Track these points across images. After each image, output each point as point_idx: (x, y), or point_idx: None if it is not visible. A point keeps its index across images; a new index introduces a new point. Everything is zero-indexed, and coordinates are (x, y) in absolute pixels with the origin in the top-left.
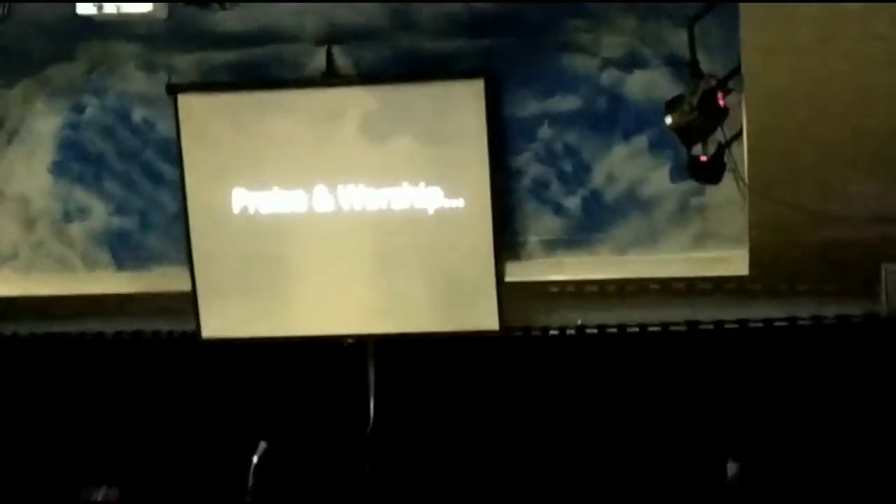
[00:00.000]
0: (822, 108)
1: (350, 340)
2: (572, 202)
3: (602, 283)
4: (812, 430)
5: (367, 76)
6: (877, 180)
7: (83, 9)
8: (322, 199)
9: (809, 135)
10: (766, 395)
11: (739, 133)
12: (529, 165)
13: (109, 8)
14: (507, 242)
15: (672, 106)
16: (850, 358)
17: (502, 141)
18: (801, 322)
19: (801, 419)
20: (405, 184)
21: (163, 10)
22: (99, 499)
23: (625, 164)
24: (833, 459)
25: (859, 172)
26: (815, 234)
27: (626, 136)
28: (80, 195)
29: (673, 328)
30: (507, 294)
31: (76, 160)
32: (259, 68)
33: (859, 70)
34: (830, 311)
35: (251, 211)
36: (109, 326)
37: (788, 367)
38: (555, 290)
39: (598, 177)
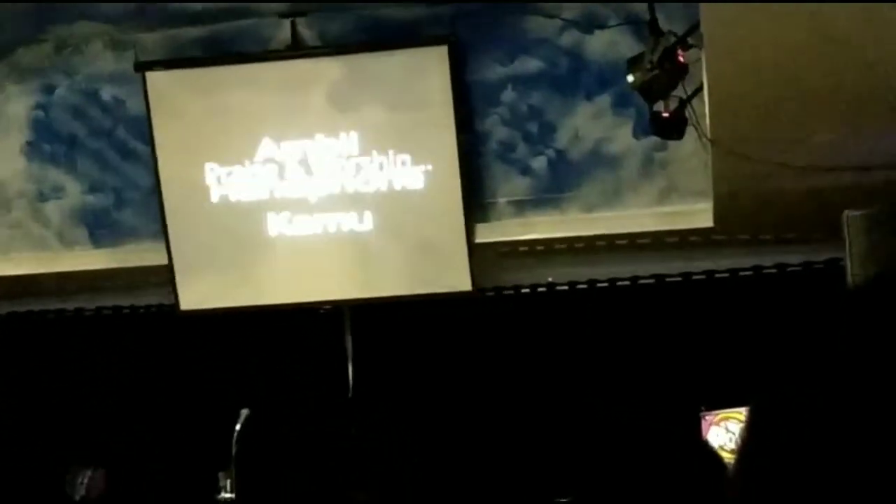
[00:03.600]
0: (782, 60)
1: (326, 307)
2: (539, 163)
3: (571, 241)
4: (777, 374)
5: (332, 46)
6: (837, 130)
7: None
8: (292, 170)
9: (769, 87)
10: (733, 342)
11: (700, 88)
12: (495, 128)
13: None
14: (476, 205)
15: (633, 64)
16: (815, 303)
17: (468, 105)
18: (765, 270)
19: (767, 364)
20: (374, 151)
21: None
22: (85, 481)
23: (589, 124)
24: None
25: (820, 122)
26: (777, 184)
27: (589, 95)
28: (55, 175)
29: (641, 281)
30: (478, 255)
31: (49, 140)
32: (225, 43)
33: (818, 23)
34: (794, 259)
35: (223, 183)
36: (89, 302)
37: (755, 314)
38: (525, 249)
39: (563, 137)
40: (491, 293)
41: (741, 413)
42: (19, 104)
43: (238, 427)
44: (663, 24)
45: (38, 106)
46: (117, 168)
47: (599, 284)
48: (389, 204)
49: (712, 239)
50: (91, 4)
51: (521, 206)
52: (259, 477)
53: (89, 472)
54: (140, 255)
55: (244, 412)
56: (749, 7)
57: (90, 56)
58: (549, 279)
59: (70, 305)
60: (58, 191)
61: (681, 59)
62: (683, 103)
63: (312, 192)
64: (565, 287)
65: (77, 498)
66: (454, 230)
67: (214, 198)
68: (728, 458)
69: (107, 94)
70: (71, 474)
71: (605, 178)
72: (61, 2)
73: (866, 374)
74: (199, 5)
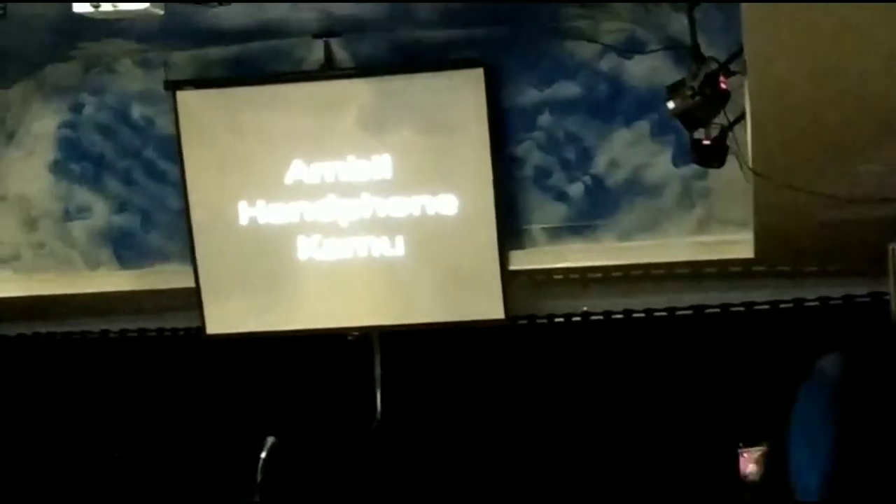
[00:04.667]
0: (826, 89)
1: (355, 333)
2: (575, 189)
3: (607, 270)
4: None
5: (366, 68)
6: (881, 161)
7: (80, 8)
8: (323, 192)
9: (813, 116)
10: (772, 376)
11: (742, 116)
12: (531, 154)
13: (106, 6)
14: (510, 231)
15: (674, 90)
16: (857, 337)
17: (503, 130)
18: (807, 303)
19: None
20: (407, 175)
21: (159, 8)
22: None
23: (627, 150)
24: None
25: (864, 153)
26: (820, 215)
27: (628, 121)
28: (81, 194)
29: (679, 312)
30: (512, 283)
31: (76, 159)
32: (257, 63)
33: (864, 51)
34: (836, 291)
35: (253, 206)
36: (114, 325)
37: (795, 347)
38: (559, 277)
39: (600, 163)
40: (524, 321)
41: None
42: (47, 122)
43: (263, 455)
44: (705, 50)
45: (67, 124)
46: (145, 188)
47: (635, 315)
48: (422, 229)
49: (752, 270)
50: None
51: (557, 234)
52: None
53: None
54: (167, 277)
55: (270, 440)
56: (794, 33)
57: (119, 74)
58: (584, 308)
59: (95, 327)
60: (84, 210)
61: (723, 85)
62: (725, 131)
63: (343, 215)
64: (600, 317)
65: None
66: (487, 257)
67: (244, 220)
68: None
69: (136, 113)
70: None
71: (642, 206)
72: None
73: None
74: (231, 23)
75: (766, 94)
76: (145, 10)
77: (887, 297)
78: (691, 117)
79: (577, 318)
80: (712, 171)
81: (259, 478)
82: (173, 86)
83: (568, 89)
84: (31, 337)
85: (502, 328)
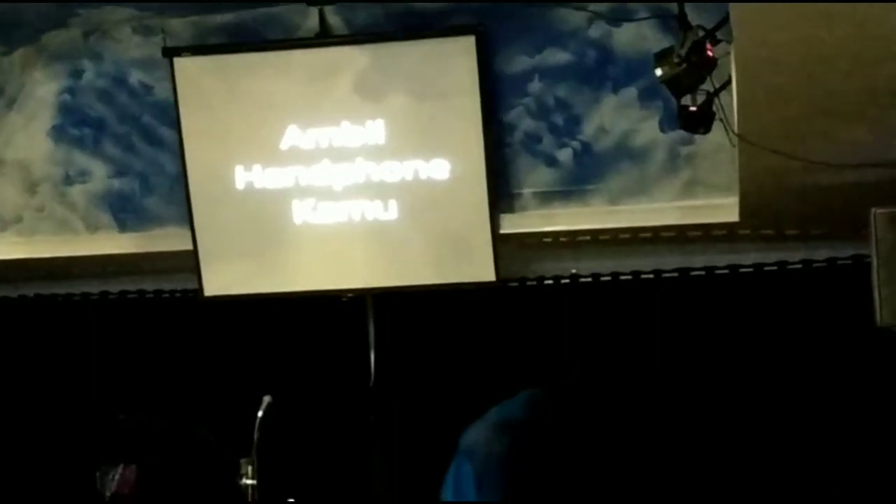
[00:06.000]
0: (811, 55)
1: (349, 295)
2: (564, 154)
3: (595, 233)
4: (800, 368)
5: (360, 35)
6: (865, 127)
7: None
8: (319, 158)
9: (798, 83)
10: (757, 336)
11: (728, 82)
12: (521, 119)
13: None
14: (501, 195)
15: (661, 58)
16: (840, 299)
17: (494, 96)
18: (790, 266)
19: (790, 359)
20: (400, 140)
21: None
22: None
23: (615, 116)
24: (822, 397)
25: (848, 119)
26: (804, 180)
27: (616, 88)
28: (81, 159)
29: (665, 275)
30: (503, 246)
31: (75, 125)
32: (253, 30)
33: (849, 22)
34: (820, 255)
35: (249, 170)
36: (113, 286)
37: (778, 309)
38: (549, 240)
39: (588, 129)
40: (514, 284)
41: None
42: (47, 88)
43: (260, 414)
44: (692, 18)
45: (66, 90)
46: (143, 153)
47: (623, 277)
48: (414, 193)
49: (737, 234)
50: None
51: (547, 198)
52: (280, 463)
53: (120, 469)
54: (165, 240)
55: (266, 399)
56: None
57: (118, 41)
58: (573, 271)
59: (95, 289)
60: (84, 175)
61: (709, 53)
62: (711, 97)
63: (338, 180)
64: (589, 279)
65: (108, 495)
66: (479, 221)
67: (240, 185)
68: None
69: (134, 79)
70: (102, 472)
71: (630, 171)
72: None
73: None
74: None
75: (750, 62)
76: None
77: (868, 259)
78: (678, 84)
79: (566, 281)
80: (698, 137)
81: (256, 436)
82: (171, 52)
83: (558, 56)
84: (32, 298)
85: (493, 290)
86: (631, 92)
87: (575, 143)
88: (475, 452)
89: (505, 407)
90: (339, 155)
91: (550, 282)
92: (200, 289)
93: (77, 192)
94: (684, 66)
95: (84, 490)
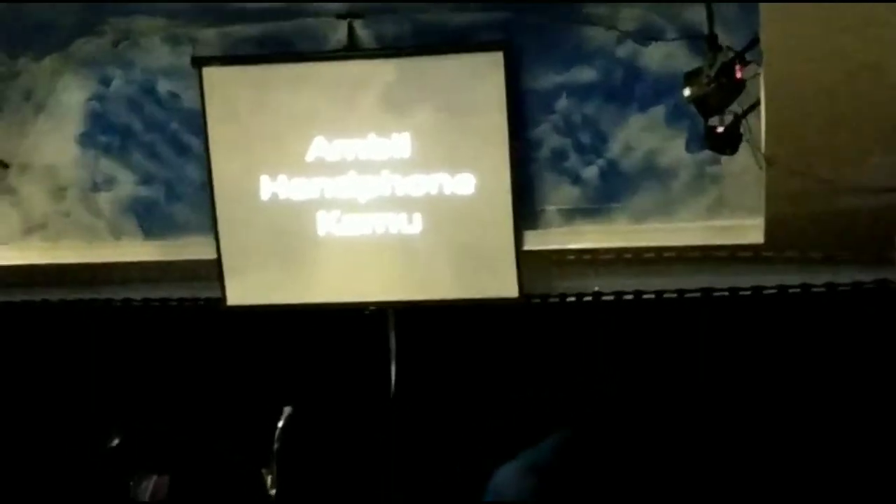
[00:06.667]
0: (840, 80)
1: (371, 308)
2: (590, 172)
3: (619, 252)
4: (823, 393)
5: (388, 49)
6: (891, 151)
7: None
8: (343, 169)
9: (826, 106)
10: (780, 358)
11: (756, 104)
12: (548, 136)
13: None
14: (525, 212)
15: (690, 78)
16: (863, 323)
17: (521, 112)
18: (814, 289)
19: (813, 382)
20: (426, 154)
21: None
22: (150, 487)
23: (641, 135)
24: (845, 422)
25: (874, 143)
26: (830, 203)
27: (643, 107)
28: (107, 165)
29: (688, 295)
30: (526, 262)
31: (103, 131)
32: (282, 42)
33: (879, 44)
34: (843, 278)
35: (275, 181)
36: (137, 294)
37: (802, 332)
38: (572, 257)
39: (615, 147)
40: (537, 300)
41: None
42: (76, 94)
43: (281, 424)
44: (722, 39)
45: (94, 97)
46: (170, 161)
47: (646, 296)
48: (439, 207)
49: (762, 255)
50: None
51: (571, 215)
52: (300, 474)
53: (154, 479)
54: (189, 248)
55: (287, 410)
56: (809, 24)
57: (147, 50)
58: (596, 289)
59: (118, 296)
60: (110, 181)
61: (738, 74)
62: (738, 119)
63: (363, 192)
64: (611, 297)
65: (142, 503)
66: (503, 236)
67: (265, 195)
68: None
69: (162, 88)
70: (135, 481)
71: (655, 190)
72: (118, 1)
73: None
74: (257, 3)
75: (780, 84)
76: None
77: (893, 284)
78: (706, 104)
79: (589, 298)
80: (725, 158)
81: (276, 446)
82: (200, 62)
83: (586, 74)
84: (56, 304)
85: (516, 306)
86: (658, 111)
87: (601, 161)
88: (503, 493)
89: (535, 451)
90: (365, 167)
91: (573, 299)
92: (223, 298)
93: (103, 198)
94: (713, 86)
95: (119, 499)
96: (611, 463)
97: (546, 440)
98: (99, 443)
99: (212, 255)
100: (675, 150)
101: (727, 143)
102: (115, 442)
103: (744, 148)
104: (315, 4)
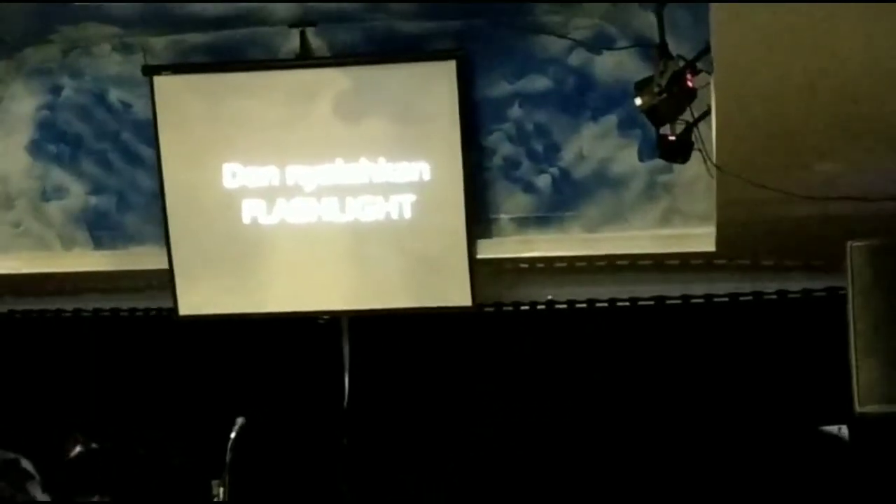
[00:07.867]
0: (790, 89)
1: (325, 317)
2: (542, 181)
3: (572, 260)
4: (774, 400)
5: (341, 57)
6: (842, 160)
7: None
8: (296, 178)
9: (776, 115)
10: (731, 365)
11: (707, 113)
12: (500, 145)
13: None
14: (478, 220)
15: (641, 87)
16: (814, 330)
17: (474, 121)
18: (766, 296)
19: (764, 389)
20: (379, 162)
21: None
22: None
23: (594, 144)
24: (796, 428)
25: (825, 152)
26: (781, 211)
27: (595, 116)
28: (58, 175)
29: (641, 303)
30: (479, 271)
31: (54, 141)
32: (234, 50)
33: (828, 53)
34: (794, 286)
35: (227, 190)
36: (87, 304)
37: (754, 339)
38: (525, 266)
39: (567, 156)
40: (490, 309)
41: None
42: (26, 103)
43: (233, 435)
44: (673, 48)
45: (45, 106)
46: (121, 171)
47: (599, 304)
48: (391, 215)
49: (713, 263)
50: (100, 6)
51: (524, 224)
52: (253, 485)
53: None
54: (141, 258)
55: (239, 420)
56: (760, 33)
57: (98, 58)
58: (549, 297)
59: (69, 306)
60: (61, 191)
61: (689, 83)
62: (690, 127)
63: (316, 203)
64: (564, 305)
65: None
66: (456, 245)
67: (217, 203)
68: None
69: (113, 96)
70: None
71: (608, 199)
72: (75, 2)
73: None
74: (209, 11)
75: (731, 93)
76: None
77: (843, 292)
78: (658, 113)
79: (542, 307)
80: (676, 166)
81: (228, 457)
82: (151, 70)
83: (538, 83)
84: (5, 314)
85: (469, 315)
86: (610, 120)
87: (553, 170)
88: None
89: None
90: (319, 177)
91: (526, 308)
92: (175, 308)
93: (54, 208)
94: (664, 95)
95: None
96: (562, 472)
97: None
98: (52, 455)
99: (164, 266)
100: (627, 158)
101: (679, 152)
102: (76, 452)
103: (695, 156)
104: (268, 12)
